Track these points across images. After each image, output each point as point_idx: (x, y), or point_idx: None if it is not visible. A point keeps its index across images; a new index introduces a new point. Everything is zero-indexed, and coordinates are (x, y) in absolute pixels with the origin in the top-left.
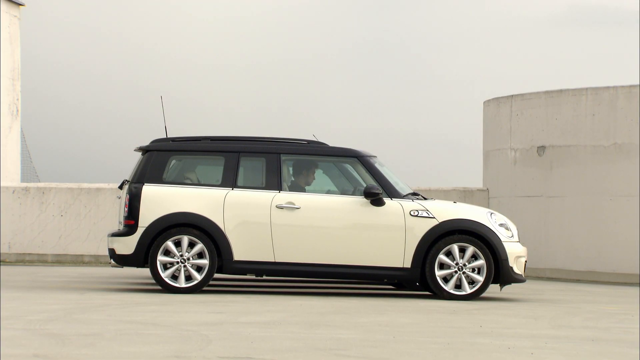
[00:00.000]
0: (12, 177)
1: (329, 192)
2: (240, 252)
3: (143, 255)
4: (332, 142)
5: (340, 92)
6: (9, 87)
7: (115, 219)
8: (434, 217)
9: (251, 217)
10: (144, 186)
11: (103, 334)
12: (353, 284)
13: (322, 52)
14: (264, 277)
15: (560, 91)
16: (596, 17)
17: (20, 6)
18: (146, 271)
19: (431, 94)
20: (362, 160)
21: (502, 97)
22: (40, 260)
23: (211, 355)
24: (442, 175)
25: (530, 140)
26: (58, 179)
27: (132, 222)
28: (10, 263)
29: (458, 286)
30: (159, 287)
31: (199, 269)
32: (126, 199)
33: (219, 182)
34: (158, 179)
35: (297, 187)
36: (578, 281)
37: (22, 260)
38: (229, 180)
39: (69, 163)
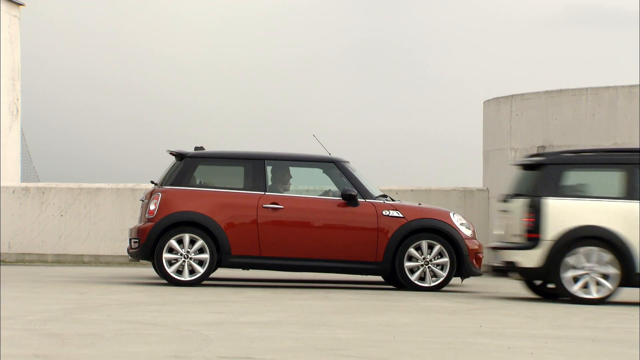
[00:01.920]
0: (12, 177)
1: None
2: None
3: (549, 268)
4: (331, 142)
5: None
6: (9, 87)
7: (115, 219)
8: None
9: None
10: (546, 200)
11: (103, 334)
12: (354, 284)
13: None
14: (264, 277)
15: (560, 91)
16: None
17: (20, 6)
18: (146, 271)
19: (431, 94)
20: None
21: (502, 97)
22: (40, 260)
23: (211, 355)
24: (442, 175)
25: (530, 140)
26: (58, 179)
27: (537, 235)
28: (10, 263)
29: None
30: (158, 288)
31: (602, 282)
32: (529, 213)
33: (622, 195)
34: (556, 192)
35: None
36: None
37: (22, 260)
38: (634, 193)
39: (69, 163)
